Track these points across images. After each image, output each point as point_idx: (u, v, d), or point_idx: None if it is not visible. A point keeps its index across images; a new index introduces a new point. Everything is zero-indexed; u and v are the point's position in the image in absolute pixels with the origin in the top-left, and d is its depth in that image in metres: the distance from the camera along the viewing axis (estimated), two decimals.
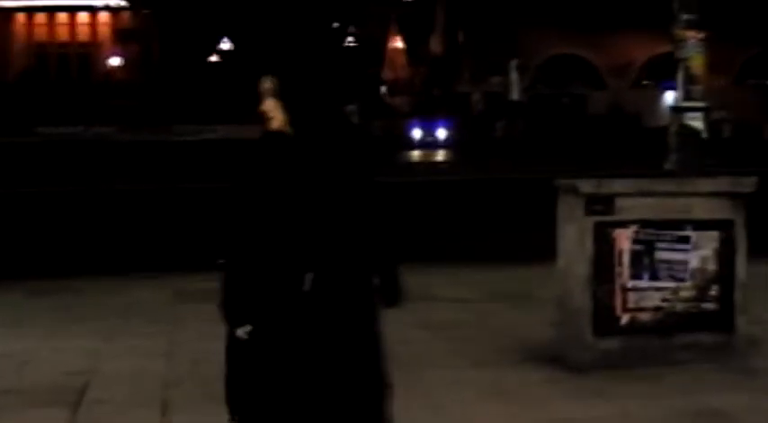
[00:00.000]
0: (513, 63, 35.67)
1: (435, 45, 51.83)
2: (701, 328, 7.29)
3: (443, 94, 44.87)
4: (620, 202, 7.12)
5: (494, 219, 14.28)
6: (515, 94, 34.60)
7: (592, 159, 21.43)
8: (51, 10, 64.06)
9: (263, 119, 4.49)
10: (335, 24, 58.12)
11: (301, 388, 4.46)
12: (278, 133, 4.46)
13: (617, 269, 7.16)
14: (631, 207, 7.15)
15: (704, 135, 11.73)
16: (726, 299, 7.29)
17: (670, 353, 7.26)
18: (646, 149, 16.73)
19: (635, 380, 7.01)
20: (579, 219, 7.14)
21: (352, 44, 57.39)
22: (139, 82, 58.21)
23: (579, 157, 22.79)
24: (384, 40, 57.47)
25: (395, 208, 4.65)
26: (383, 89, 51.37)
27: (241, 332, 4.48)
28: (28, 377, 7.46)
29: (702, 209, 7.24)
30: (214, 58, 61.53)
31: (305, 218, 4.37)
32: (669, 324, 7.24)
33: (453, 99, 43.51)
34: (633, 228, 7.15)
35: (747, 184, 7.28)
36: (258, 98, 4.54)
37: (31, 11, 63.74)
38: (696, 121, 11.86)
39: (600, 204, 7.08)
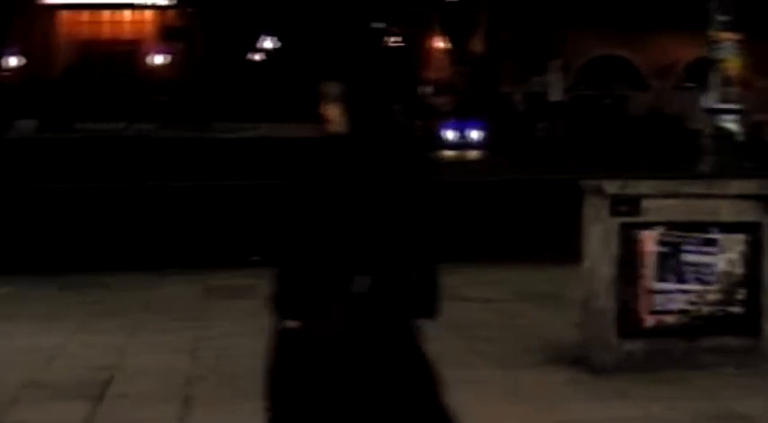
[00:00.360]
0: (554, 63, 35.49)
1: (477, 45, 51.70)
2: (727, 332, 7.22)
3: (485, 94, 44.72)
4: (645, 204, 7.07)
5: (525, 219, 14.25)
6: (556, 95, 34.48)
7: (630, 161, 21.30)
8: (96, 8, 64.49)
9: (322, 120, 4.53)
10: (379, 25, 58.11)
11: (344, 391, 4.45)
12: (339, 136, 4.49)
13: (642, 271, 7.11)
14: (657, 208, 7.10)
15: (740, 137, 11.61)
16: (752, 302, 7.22)
17: (695, 356, 7.20)
18: (686, 152, 16.67)
19: (659, 382, 6.96)
20: (604, 220, 7.10)
21: (396, 44, 57.41)
22: (183, 80, 58.48)
23: (618, 159, 22.66)
24: (426, 40, 57.43)
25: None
26: (426, 89, 51.34)
27: (292, 323, 4.50)
28: (54, 371, 7.51)
29: (729, 211, 7.18)
30: (257, 57, 61.76)
31: (361, 220, 4.41)
32: (695, 327, 7.19)
33: (495, 99, 43.35)
34: (659, 229, 7.10)
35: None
36: (316, 99, 4.58)
37: (75, 8, 64.18)
38: (731, 124, 11.74)
39: (625, 205, 7.03)
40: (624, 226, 7.07)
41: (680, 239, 7.11)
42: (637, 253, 7.09)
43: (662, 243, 7.10)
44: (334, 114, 4.47)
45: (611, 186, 7.07)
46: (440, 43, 55.59)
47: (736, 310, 7.21)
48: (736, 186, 7.31)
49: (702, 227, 7.14)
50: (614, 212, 7.05)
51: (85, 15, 65.05)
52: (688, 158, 14.82)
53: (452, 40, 54.45)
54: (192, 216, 13.82)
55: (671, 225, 7.10)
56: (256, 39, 61.74)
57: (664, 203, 7.09)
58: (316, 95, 4.59)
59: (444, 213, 4.60)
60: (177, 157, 24.69)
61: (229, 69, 56.98)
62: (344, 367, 4.42)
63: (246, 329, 8.69)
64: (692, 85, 47.43)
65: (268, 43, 61.60)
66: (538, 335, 8.42)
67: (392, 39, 57.19)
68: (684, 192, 7.15)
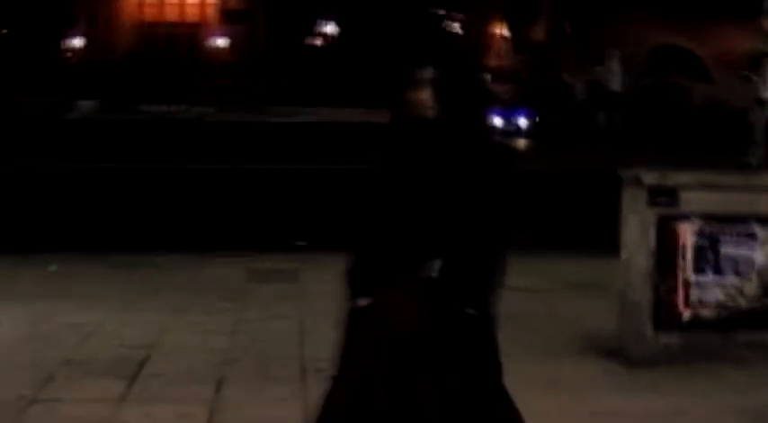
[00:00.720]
0: (613, 53, 35.10)
1: (539, 33, 51.40)
2: (765, 327, 7.15)
3: (546, 82, 44.42)
4: (684, 195, 7.01)
5: (571, 209, 14.15)
6: (615, 85, 34.13)
7: (688, 152, 21.10)
8: None
9: (407, 105, 4.57)
10: (441, 11, 57.98)
11: (407, 367, 4.52)
12: (426, 120, 4.55)
13: (679, 263, 7.06)
14: (696, 200, 7.03)
15: None
16: None
17: (732, 350, 7.14)
18: (746, 144, 16.52)
19: (693, 376, 6.91)
20: (642, 211, 7.05)
21: (458, 31, 57.27)
22: (243, 63, 58.74)
23: (676, 150, 22.45)
24: (487, 26, 57.20)
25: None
26: (485, 76, 51.10)
27: (362, 301, 4.59)
28: (91, 348, 7.60)
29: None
30: (317, 41, 61.89)
31: (438, 204, 4.50)
32: (732, 321, 7.12)
33: (556, 88, 43.04)
34: (697, 221, 7.04)
35: None
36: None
37: None
38: None
39: (663, 196, 6.98)
40: (662, 217, 7.01)
41: (718, 232, 7.04)
42: (674, 245, 7.03)
43: (700, 235, 7.04)
44: (425, 99, 4.52)
45: (649, 177, 7.02)
46: (501, 30, 55.35)
47: None
48: None
49: (741, 219, 7.06)
50: (652, 203, 7.00)
51: None
52: (745, 151, 14.70)
53: (513, 28, 54.20)
54: (241, 199, 13.89)
55: (709, 217, 7.03)
56: (316, 23, 61.87)
57: (702, 195, 7.03)
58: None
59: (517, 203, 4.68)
60: (232, 141, 24.83)
61: (289, 53, 57.15)
62: (409, 346, 4.49)
63: (285, 313, 8.77)
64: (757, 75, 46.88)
65: (328, 28, 61.67)
66: (579, 325, 8.38)
67: (453, 25, 57.05)
68: (723, 184, 7.08)
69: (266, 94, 43.83)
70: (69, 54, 57.48)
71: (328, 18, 61.60)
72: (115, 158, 20.53)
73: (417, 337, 4.51)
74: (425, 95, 4.53)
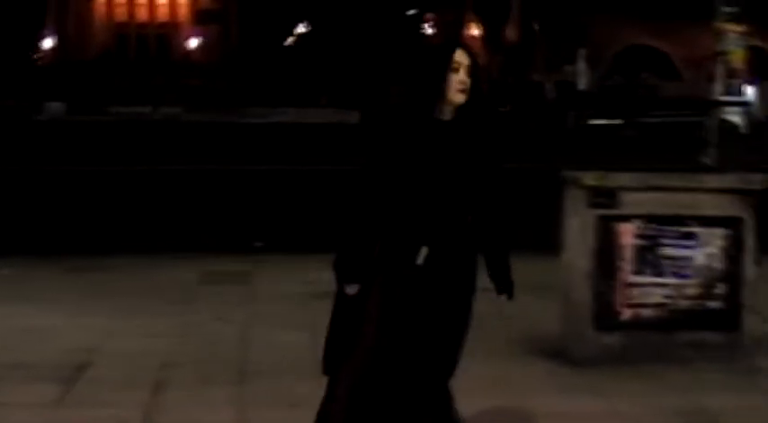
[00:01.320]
0: (582, 52, 35.29)
1: (510, 33, 51.53)
2: (706, 327, 7.18)
3: (517, 82, 44.55)
4: (623, 196, 7.04)
5: (522, 209, 14.14)
6: (583, 84, 34.29)
7: (652, 152, 21.16)
8: None
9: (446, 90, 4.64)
10: (412, 11, 58.02)
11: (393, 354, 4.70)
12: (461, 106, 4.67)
13: (619, 264, 7.08)
14: (636, 201, 7.06)
15: (743, 130, 11.49)
16: (732, 297, 7.18)
17: (673, 350, 7.16)
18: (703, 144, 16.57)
19: (633, 377, 6.93)
20: (582, 211, 7.07)
21: (429, 31, 57.32)
22: (217, 63, 58.63)
23: (641, 149, 22.52)
24: (460, 26, 57.28)
25: None
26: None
27: (350, 289, 4.64)
28: (35, 352, 7.57)
29: (709, 205, 7.13)
30: (291, 41, 61.84)
31: (434, 193, 4.65)
32: (672, 321, 7.15)
33: (527, 87, 43.18)
34: (637, 222, 7.06)
35: (757, 181, 7.15)
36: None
37: None
38: (735, 116, 11.61)
39: (603, 197, 7.00)
40: (602, 218, 7.04)
41: (658, 233, 7.06)
42: (614, 246, 7.06)
43: (640, 236, 7.06)
44: (466, 84, 4.61)
45: (589, 178, 7.04)
46: (474, 30, 55.45)
47: (715, 304, 7.17)
48: (716, 180, 7.26)
49: (681, 220, 7.09)
50: (592, 204, 7.02)
51: None
52: (700, 152, 14.76)
53: (486, 28, 54.30)
54: (200, 200, 13.83)
55: (649, 218, 7.06)
56: (291, 23, 61.82)
57: (642, 196, 7.05)
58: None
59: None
60: (197, 142, 24.76)
61: (263, 53, 57.10)
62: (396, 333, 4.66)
63: (233, 316, 8.75)
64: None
65: (301, 28, 61.68)
66: (526, 326, 8.38)
67: (425, 25, 57.09)
68: (663, 185, 7.11)
69: (238, 95, 43.79)
70: (40, 55, 57.24)
71: (302, 18, 61.58)
72: (79, 161, 20.44)
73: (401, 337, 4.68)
74: (466, 80, 4.59)
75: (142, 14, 65.70)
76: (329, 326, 4.90)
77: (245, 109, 37.59)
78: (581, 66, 34.81)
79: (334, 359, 4.88)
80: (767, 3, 38.22)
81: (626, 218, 7.03)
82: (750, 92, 45.29)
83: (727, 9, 11.54)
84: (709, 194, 7.12)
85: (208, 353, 7.58)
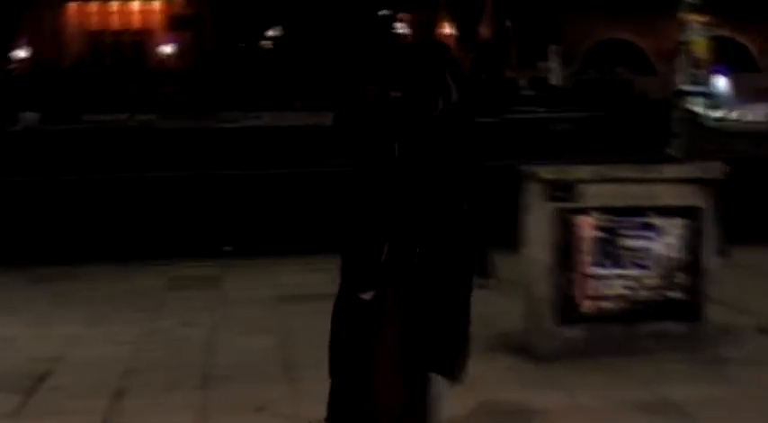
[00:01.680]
0: (554, 48, 35.34)
1: (484, 30, 51.54)
2: (667, 317, 7.18)
3: (491, 79, 44.50)
4: (581, 189, 7.03)
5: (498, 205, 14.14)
6: (555, 80, 34.32)
7: (624, 145, 21.18)
8: None
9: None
10: (384, 11, 57.89)
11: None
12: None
13: (579, 257, 7.07)
14: (594, 194, 7.05)
15: (707, 120, 11.55)
16: (692, 287, 7.18)
17: (635, 342, 7.16)
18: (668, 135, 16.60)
19: (596, 370, 6.92)
20: (541, 205, 7.06)
21: (402, 31, 57.23)
22: (192, 69, 58.42)
23: (610, 143, 22.53)
24: (434, 25, 57.14)
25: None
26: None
27: (366, 296, 4.76)
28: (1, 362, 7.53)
29: (668, 195, 7.13)
30: (266, 45, 61.64)
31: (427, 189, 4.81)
32: (633, 312, 7.15)
33: (500, 84, 43.19)
34: (596, 215, 7.06)
35: (715, 169, 7.15)
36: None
37: None
38: (698, 106, 11.66)
39: (561, 191, 6.99)
40: (560, 211, 7.03)
41: (617, 224, 7.06)
42: (573, 239, 7.05)
43: (599, 228, 7.06)
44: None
45: (547, 172, 7.03)
46: (447, 29, 55.44)
47: (676, 295, 7.17)
48: (674, 170, 7.26)
49: (640, 211, 7.09)
50: (550, 198, 7.01)
51: (94, 6, 65.13)
52: (666, 143, 14.79)
53: (459, 26, 54.37)
54: (171, 206, 13.77)
55: (608, 210, 7.06)
56: (264, 27, 61.64)
57: (600, 188, 7.05)
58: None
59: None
60: (171, 148, 24.68)
61: (237, 58, 56.96)
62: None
63: (200, 321, 8.71)
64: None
65: (274, 32, 61.53)
66: (493, 322, 8.35)
67: (397, 25, 57.03)
68: (621, 176, 7.10)
69: (213, 100, 43.66)
70: (13, 66, 56.96)
71: (275, 22, 61.42)
72: (52, 170, 20.34)
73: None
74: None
75: (116, 22, 65.37)
76: (335, 331, 4.93)
77: (221, 114, 37.48)
78: (553, 62, 34.83)
79: (347, 362, 4.92)
80: None
81: (584, 210, 7.03)
82: (722, 83, 45.44)
83: (690, 0, 11.63)
84: (668, 185, 7.12)
85: (173, 359, 7.54)
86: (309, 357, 7.44)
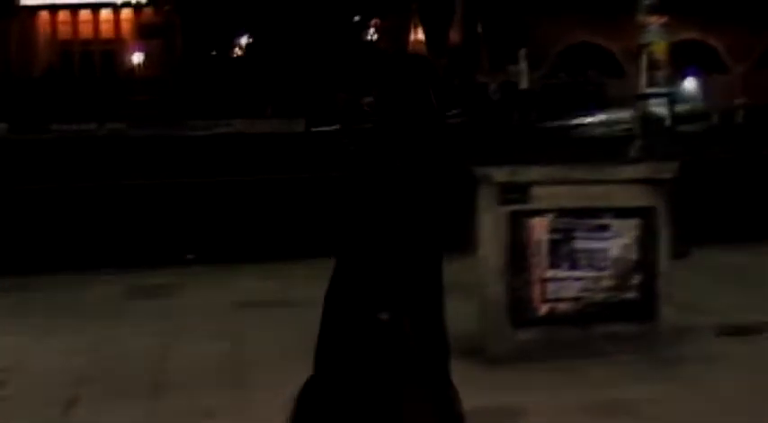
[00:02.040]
0: (523, 52, 35.40)
1: (455, 35, 51.59)
2: (623, 318, 7.14)
3: (463, 83, 44.62)
4: (535, 191, 6.99)
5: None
6: (524, 84, 34.39)
7: (588, 147, 21.23)
8: (74, 7, 64.40)
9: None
10: (356, 18, 57.98)
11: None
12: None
13: (534, 259, 7.03)
14: (548, 195, 7.01)
15: (668, 122, 11.59)
16: (647, 288, 7.14)
17: (591, 344, 7.12)
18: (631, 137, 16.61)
19: (552, 372, 6.87)
20: (494, 208, 7.01)
21: (374, 37, 57.29)
22: (162, 77, 58.32)
23: (576, 145, 22.59)
24: (406, 31, 57.29)
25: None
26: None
27: (384, 316, 4.52)
28: None
29: (622, 196, 7.09)
30: (236, 53, 61.62)
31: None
32: (589, 314, 7.11)
33: (472, 88, 43.27)
34: (550, 216, 7.01)
35: (668, 170, 7.12)
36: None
37: (54, 8, 64.09)
38: (659, 108, 11.69)
39: (514, 193, 6.94)
40: (514, 214, 6.98)
41: (571, 226, 7.02)
42: (527, 241, 7.00)
43: (553, 230, 7.01)
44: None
45: (500, 174, 6.98)
46: (417, 34, 55.45)
47: (631, 295, 7.13)
48: (628, 171, 7.22)
49: (594, 213, 7.05)
50: (504, 200, 6.96)
51: (64, 15, 64.96)
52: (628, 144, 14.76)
53: (431, 31, 54.35)
54: (133, 215, 13.67)
55: (562, 212, 7.01)
56: (234, 34, 61.60)
57: (554, 190, 7.00)
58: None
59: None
60: (137, 156, 24.60)
61: (207, 66, 56.88)
62: None
63: (156, 329, 8.62)
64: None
65: (244, 40, 61.54)
66: (450, 326, 8.32)
67: (370, 31, 57.10)
68: (575, 178, 7.06)
69: (184, 108, 43.59)
70: None
71: (245, 30, 61.39)
72: (16, 179, 20.22)
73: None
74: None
75: (86, 31, 65.26)
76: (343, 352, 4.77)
77: (191, 122, 37.42)
78: (523, 66, 34.88)
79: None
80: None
81: (538, 212, 6.98)
82: (690, 84, 45.68)
83: (647, 1, 11.64)
84: (621, 185, 7.08)
85: (126, 367, 7.46)
86: (262, 364, 7.38)
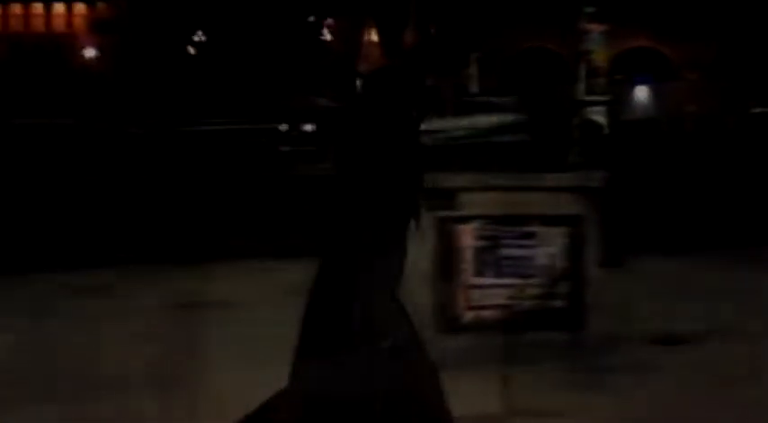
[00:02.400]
0: (473, 56, 35.51)
1: (408, 38, 51.59)
2: (550, 327, 7.13)
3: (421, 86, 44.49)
4: (462, 198, 6.96)
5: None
6: (474, 88, 34.54)
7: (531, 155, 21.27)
8: (27, 1, 63.88)
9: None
10: (311, 18, 57.81)
11: None
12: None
13: (460, 266, 7.00)
14: (475, 202, 6.99)
15: (606, 130, 11.62)
16: (575, 296, 7.13)
17: (518, 352, 7.10)
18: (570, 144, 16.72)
19: (476, 379, 6.82)
20: (422, 214, 6.95)
21: (327, 38, 57.16)
22: (114, 73, 57.92)
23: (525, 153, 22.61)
24: (358, 32, 57.16)
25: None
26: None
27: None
28: None
29: (549, 204, 7.08)
30: (190, 50, 61.24)
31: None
32: (516, 322, 7.09)
33: (425, 92, 43.16)
34: (476, 223, 6.99)
35: (596, 178, 7.12)
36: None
37: (5, 2, 63.52)
38: (598, 116, 11.74)
39: (441, 199, 6.91)
40: (440, 220, 6.95)
41: (498, 233, 7.00)
42: (454, 247, 6.98)
43: (480, 237, 6.99)
44: None
45: (428, 180, 6.92)
46: (371, 36, 55.42)
47: (558, 303, 7.12)
48: (555, 179, 7.21)
49: (521, 220, 7.03)
50: (429, 207, 6.92)
51: (17, 8, 64.43)
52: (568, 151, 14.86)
53: (386, 33, 54.29)
54: (66, 212, 13.50)
55: (489, 219, 6.99)
56: (189, 31, 61.26)
57: (481, 197, 6.98)
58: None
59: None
60: (85, 152, 24.30)
61: (161, 62, 56.54)
62: None
63: (87, 330, 8.50)
64: (620, 76, 47.79)
65: (198, 37, 61.22)
66: None
67: (323, 32, 56.98)
68: (502, 185, 7.05)
69: (138, 105, 43.25)
70: None
71: (198, 27, 61.06)
72: None
73: None
74: None
75: (38, 25, 64.71)
76: None
77: (145, 118, 37.08)
78: (473, 69, 35.01)
79: None
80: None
81: (465, 219, 6.95)
82: (641, 92, 45.95)
83: (588, 9, 11.74)
84: (549, 193, 7.07)
85: (51, 370, 7.36)
86: (192, 368, 7.30)
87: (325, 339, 4.64)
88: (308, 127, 29.96)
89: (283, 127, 28.48)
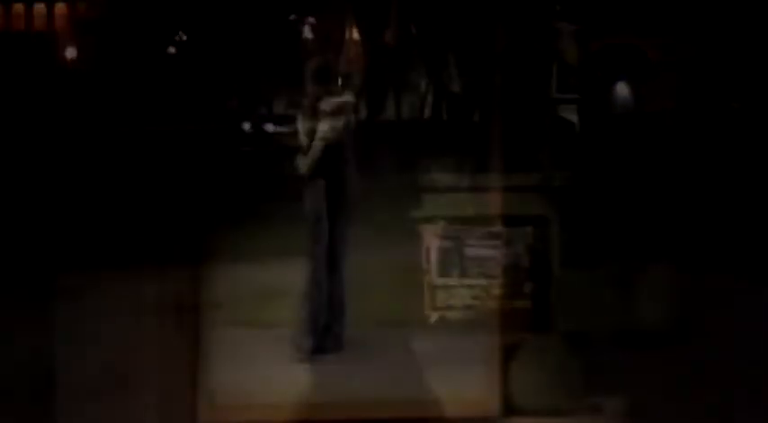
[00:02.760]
0: (451, 57, 35.39)
1: (390, 37, 51.60)
2: (516, 327, 7.10)
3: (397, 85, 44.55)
4: (426, 198, 6.95)
5: None
6: (455, 87, 34.48)
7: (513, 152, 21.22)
8: (7, 0, 63.62)
9: None
10: (292, 16, 57.72)
11: None
12: None
13: (425, 267, 6.98)
14: (438, 203, 6.97)
15: (578, 128, 11.58)
16: (540, 297, 7.10)
17: (481, 352, 7.08)
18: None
19: (442, 380, 6.85)
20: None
21: (309, 36, 57.10)
22: (97, 72, 57.75)
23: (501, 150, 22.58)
24: (341, 31, 57.11)
25: None
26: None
27: None
28: None
29: (513, 204, 7.06)
30: (171, 50, 61.08)
31: None
32: (480, 322, 7.06)
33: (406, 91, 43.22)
34: (440, 224, 6.96)
35: (558, 178, 7.11)
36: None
37: None
38: (571, 114, 11.70)
39: (405, 199, 6.91)
40: (407, 220, 6.94)
41: (462, 234, 6.97)
42: (419, 247, 6.95)
43: (444, 237, 6.96)
44: None
45: (393, 181, 6.94)
46: (352, 35, 55.38)
47: (523, 304, 7.09)
48: (520, 179, 7.20)
49: (485, 220, 7.00)
50: (397, 208, 6.92)
51: None
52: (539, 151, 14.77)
53: (367, 32, 54.28)
54: (26, 214, 13.36)
55: (453, 219, 6.96)
56: (173, 33, 61.12)
57: (445, 197, 6.97)
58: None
59: None
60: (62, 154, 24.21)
61: (142, 63, 56.39)
62: None
63: (43, 334, 8.39)
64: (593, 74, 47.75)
65: (178, 37, 61.04)
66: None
67: (305, 30, 56.89)
68: (465, 185, 7.03)
69: (117, 105, 43.13)
70: None
71: (180, 27, 60.92)
72: None
73: None
74: None
75: (19, 25, 64.52)
76: None
77: (125, 119, 36.97)
78: (452, 69, 34.88)
79: None
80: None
81: (428, 219, 6.93)
82: (622, 89, 45.83)
83: (558, 7, 11.72)
84: (513, 193, 7.05)
85: (7, 373, 7.31)
86: (148, 370, 7.27)
87: None
88: (270, 127, 29.77)
89: (246, 126, 28.25)
